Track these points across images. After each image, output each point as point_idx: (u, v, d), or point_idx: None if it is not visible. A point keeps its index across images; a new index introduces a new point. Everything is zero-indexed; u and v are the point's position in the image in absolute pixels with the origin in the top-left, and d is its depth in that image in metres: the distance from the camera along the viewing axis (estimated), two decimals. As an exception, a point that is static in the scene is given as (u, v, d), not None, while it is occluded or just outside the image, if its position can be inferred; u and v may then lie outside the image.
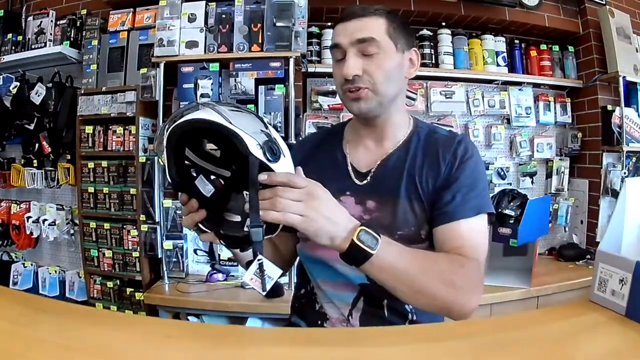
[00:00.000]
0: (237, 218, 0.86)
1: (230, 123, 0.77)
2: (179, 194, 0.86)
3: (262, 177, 0.78)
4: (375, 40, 1.01)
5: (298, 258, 1.21)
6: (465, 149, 1.05)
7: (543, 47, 2.98)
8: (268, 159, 0.79)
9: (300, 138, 2.35)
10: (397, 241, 0.92)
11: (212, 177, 0.89)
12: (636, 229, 0.87)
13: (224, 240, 0.86)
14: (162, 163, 0.84)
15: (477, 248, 0.98)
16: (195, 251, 2.61)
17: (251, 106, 2.43)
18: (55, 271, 2.93)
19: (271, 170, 0.80)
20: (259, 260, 0.83)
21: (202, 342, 0.84)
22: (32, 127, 2.84)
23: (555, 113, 2.99)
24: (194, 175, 0.87)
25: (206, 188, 0.87)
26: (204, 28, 2.50)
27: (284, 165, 0.83)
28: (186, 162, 0.87)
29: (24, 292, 1.37)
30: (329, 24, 2.69)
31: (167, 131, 0.81)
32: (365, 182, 1.09)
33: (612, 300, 0.73)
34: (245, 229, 0.84)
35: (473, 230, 0.99)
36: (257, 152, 0.78)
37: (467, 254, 0.95)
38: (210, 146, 0.91)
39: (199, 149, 0.88)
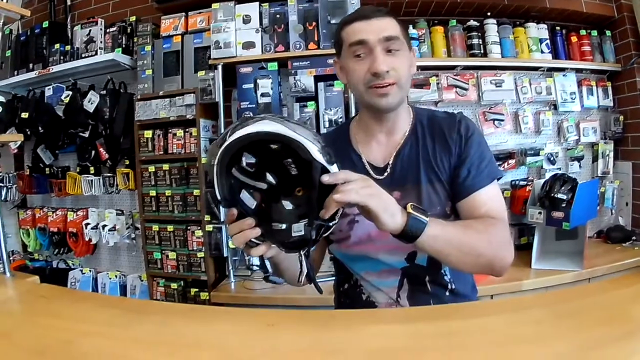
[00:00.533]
0: (283, 226, 0.88)
1: (295, 132, 0.82)
2: (228, 211, 0.88)
3: (326, 178, 0.84)
4: (399, 38, 1.08)
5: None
6: (467, 127, 1.14)
7: (582, 32, 3.02)
8: (328, 162, 0.85)
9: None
10: None
11: (251, 190, 0.90)
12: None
13: (283, 246, 0.90)
14: (214, 181, 0.84)
15: (499, 209, 1.10)
16: (250, 267, 2.57)
17: (312, 103, 2.48)
18: (116, 276, 2.97)
19: (328, 172, 0.86)
20: (300, 259, 0.91)
21: (305, 327, 0.89)
22: (87, 134, 2.87)
23: (597, 97, 3.04)
24: (237, 190, 0.89)
25: (250, 201, 0.89)
26: (260, 29, 2.55)
27: (336, 167, 0.88)
28: (232, 179, 0.89)
29: (112, 296, 1.40)
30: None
31: (221, 148, 0.82)
32: (385, 175, 1.14)
33: None
34: (294, 233, 0.88)
35: (491, 196, 1.10)
36: (319, 157, 0.83)
37: (492, 216, 1.06)
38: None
39: (239, 165, 0.90)
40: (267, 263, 0.95)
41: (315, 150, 0.83)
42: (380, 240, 1.11)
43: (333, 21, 2.48)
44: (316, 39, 2.50)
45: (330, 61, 2.45)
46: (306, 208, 0.89)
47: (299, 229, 0.88)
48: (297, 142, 0.82)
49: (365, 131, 1.20)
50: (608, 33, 3.10)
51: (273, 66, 2.50)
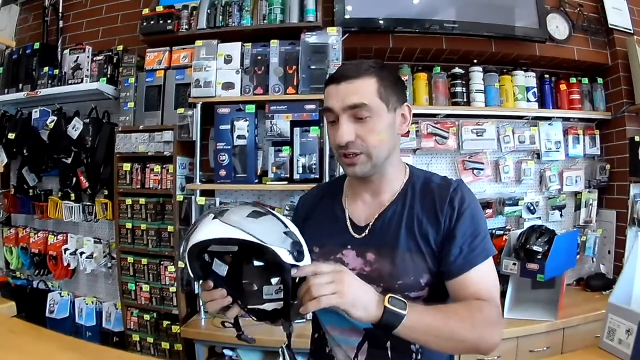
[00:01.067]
0: (254, 287, 0.91)
1: (261, 241, 0.83)
2: (202, 282, 0.91)
3: (294, 271, 0.86)
4: (366, 105, 1.02)
5: None
6: (461, 199, 1.07)
7: (572, 80, 2.98)
8: (297, 259, 0.86)
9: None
10: (397, 290, 1.02)
11: (223, 255, 0.93)
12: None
13: (254, 315, 0.94)
14: (186, 265, 0.90)
15: (489, 290, 1.03)
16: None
17: (287, 148, 2.48)
18: (92, 302, 3.00)
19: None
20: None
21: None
22: (69, 161, 2.90)
23: (584, 146, 3.00)
24: (208, 260, 0.92)
25: (221, 269, 0.92)
26: (240, 69, 2.55)
27: (307, 258, 0.90)
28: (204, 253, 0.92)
29: (74, 339, 1.46)
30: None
31: (187, 249, 0.87)
32: (363, 235, 1.12)
33: (619, 349, 0.78)
34: (265, 296, 0.91)
35: (483, 275, 1.04)
36: (289, 259, 0.85)
37: (483, 297, 1.01)
38: None
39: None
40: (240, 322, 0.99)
41: (284, 254, 0.84)
42: None
43: (313, 66, 2.47)
44: (295, 83, 2.49)
45: (307, 107, 2.45)
46: (276, 270, 0.89)
47: (269, 293, 0.90)
48: (265, 247, 0.83)
49: (353, 188, 1.19)
50: (600, 80, 3.07)
51: (250, 108, 2.50)
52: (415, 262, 1.06)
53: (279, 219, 0.90)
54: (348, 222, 1.15)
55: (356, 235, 1.12)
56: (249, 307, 0.92)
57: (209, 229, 0.84)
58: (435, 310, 0.95)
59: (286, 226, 0.89)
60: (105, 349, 1.41)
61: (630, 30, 3.04)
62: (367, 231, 1.12)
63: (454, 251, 1.03)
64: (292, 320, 0.92)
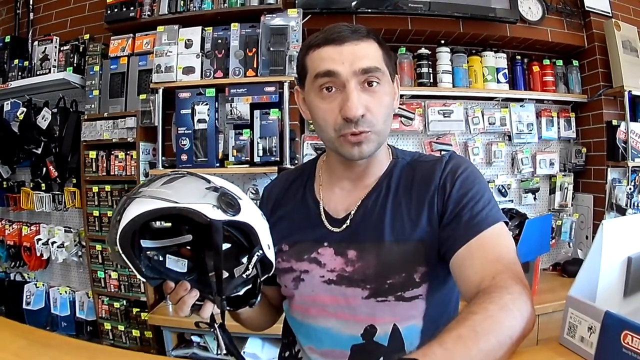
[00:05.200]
0: (225, 274, 0.80)
1: (175, 202, 0.73)
2: (165, 284, 0.81)
3: None
4: (379, 70, 0.87)
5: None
6: (455, 165, 0.92)
7: (546, 62, 2.93)
8: (230, 214, 0.76)
9: (286, 167, 2.35)
10: (387, 291, 0.88)
11: (175, 249, 0.84)
12: (614, 272, 0.85)
13: (231, 305, 0.85)
14: (130, 267, 0.78)
15: (502, 256, 0.82)
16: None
17: (247, 131, 2.46)
18: (66, 291, 3.01)
19: (237, 223, 0.77)
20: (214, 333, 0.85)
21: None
22: (39, 151, 2.91)
23: (558, 128, 2.95)
24: (161, 258, 0.82)
25: (179, 264, 0.82)
26: (200, 54, 2.53)
27: (247, 210, 0.79)
28: (147, 251, 0.81)
29: (27, 326, 1.48)
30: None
31: (118, 239, 0.75)
32: (343, 228, 0.95)
33: (581, 347, 0.72)
34: (237, 279, 0.82)
35: (492, 241, 0.84)
36: (216, 214, 0.74)
37: (494, 269, 0.79)
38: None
39: (149, 232, 0.82)
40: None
41: (209, 210, 0.73)
42: (332, 306, 0.93)
43: (272, 48, 2.45)
44: (255, 65, 2.47)
45: (267, 89, 2.43)
46: (242, 248, 0.81)
47: (240, 274, 0.81)
48: (184, 209, 0.73)
49: (330, 174, 1.02)
50: (575, 63, 3.01)
51: (211, 92, 2.49)
52: (405, 255, 0.89)
53: (200, 177, 0.79)
54: (322, 215, 0.98)
55: (334, 229, 0.96)
56: (224, 297, 0.80)
57: (125, 218, 0.74)
58: (458, 336, 0.63)
59: (209, 182, 0.78)
60: (53, 335, 1.42)
61: (608, 13, 2.99)
62: (347, 223, 0.95)
63: (452, 223, 0.87)
64: (225, 294, 0.80)
